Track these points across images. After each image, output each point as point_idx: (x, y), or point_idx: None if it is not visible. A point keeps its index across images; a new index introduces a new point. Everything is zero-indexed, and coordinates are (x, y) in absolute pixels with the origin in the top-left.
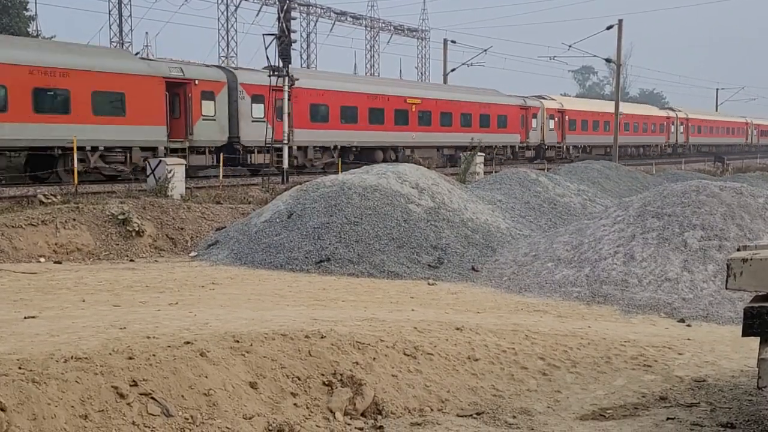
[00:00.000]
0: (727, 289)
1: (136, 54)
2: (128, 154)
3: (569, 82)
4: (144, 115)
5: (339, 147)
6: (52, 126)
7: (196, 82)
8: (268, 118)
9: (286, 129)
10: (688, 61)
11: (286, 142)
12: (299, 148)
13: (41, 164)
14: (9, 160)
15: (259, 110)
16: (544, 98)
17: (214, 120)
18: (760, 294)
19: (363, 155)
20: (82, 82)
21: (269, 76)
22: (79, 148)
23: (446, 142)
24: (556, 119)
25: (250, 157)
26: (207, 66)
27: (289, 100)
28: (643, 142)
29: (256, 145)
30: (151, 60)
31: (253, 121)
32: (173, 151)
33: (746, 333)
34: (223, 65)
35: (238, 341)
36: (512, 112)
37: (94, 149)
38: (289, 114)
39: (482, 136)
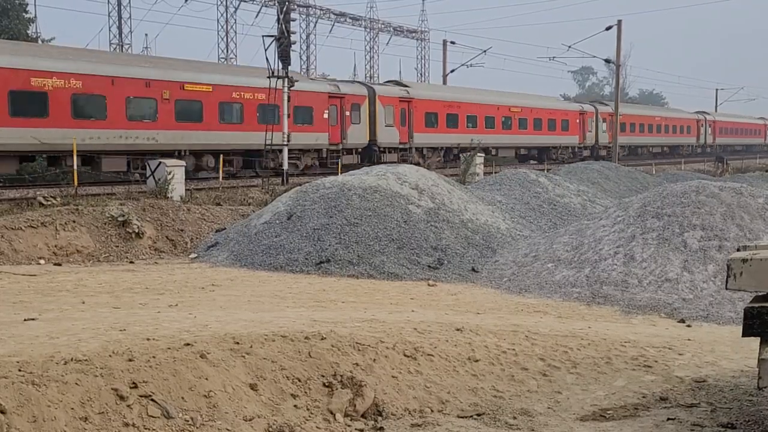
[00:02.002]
0: (727, 289)
1: None
2: None
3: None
4: None
5: None
6: None
7: None
8: None
9: (285, 130)
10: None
11: (286, 143)
12: None
13: None
14: None
15: None
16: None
17: None
18: (760, 294)
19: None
20: None
21: None
22: None
23: (190, 144)
24: (399, 111)
25: None
26: None
27: (288, 101)
28: (548, 142)
29: None
30: None
31: None
32: None
33: (746, 333)
34: None
35: (238, 343)
36: (315, 102)
37: None
38: (288, 116)
39: (257, 135)
